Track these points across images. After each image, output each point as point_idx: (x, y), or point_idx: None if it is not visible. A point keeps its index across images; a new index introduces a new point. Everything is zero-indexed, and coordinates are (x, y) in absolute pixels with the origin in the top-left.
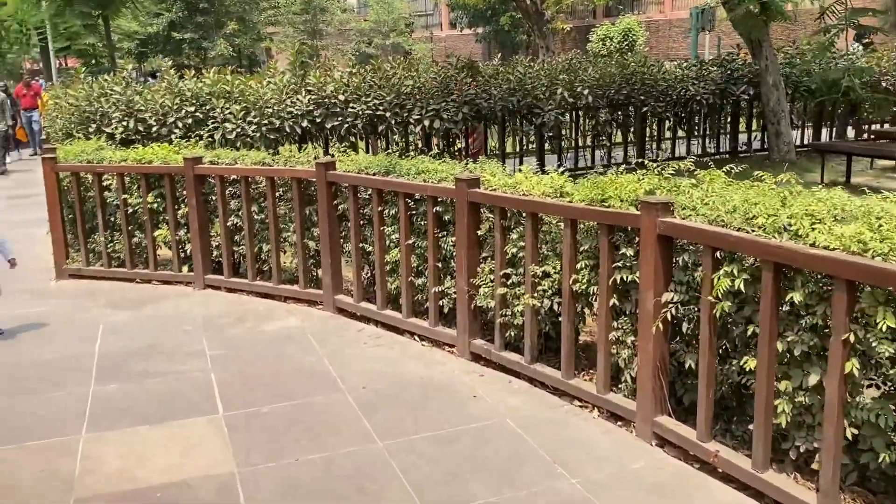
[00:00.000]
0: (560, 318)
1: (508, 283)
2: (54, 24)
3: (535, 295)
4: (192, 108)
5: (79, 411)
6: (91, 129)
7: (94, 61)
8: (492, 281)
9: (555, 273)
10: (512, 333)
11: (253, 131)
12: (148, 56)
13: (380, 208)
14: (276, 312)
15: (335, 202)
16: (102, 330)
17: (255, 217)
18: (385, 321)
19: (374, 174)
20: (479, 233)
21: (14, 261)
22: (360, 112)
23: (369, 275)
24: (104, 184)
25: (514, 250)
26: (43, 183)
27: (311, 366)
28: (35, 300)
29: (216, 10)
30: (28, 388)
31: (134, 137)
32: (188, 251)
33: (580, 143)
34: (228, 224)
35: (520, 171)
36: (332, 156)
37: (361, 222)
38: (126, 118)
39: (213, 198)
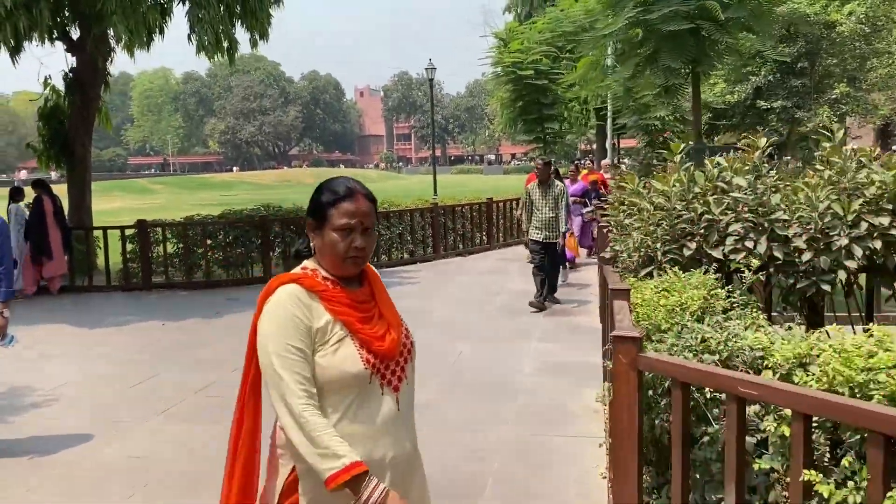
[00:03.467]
0: None
1: None
2: (626, 90)
3: None
4: (887, 221)
5: None
6: (687, 253)
7: (661, 139)
8: None
9: None
10: None
11: None
12: (719, 131)
13: None
14: None
15: None
16: None
17: None
18: None
19: None
20: None
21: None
22: None
23: None
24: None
25: None
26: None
27: None
28: None
29: (816, 71)
30: None
31: (769, 266)
32: None
33: None
34: None
35: None
36: None
37: None
38: (753, 235)
39: None
